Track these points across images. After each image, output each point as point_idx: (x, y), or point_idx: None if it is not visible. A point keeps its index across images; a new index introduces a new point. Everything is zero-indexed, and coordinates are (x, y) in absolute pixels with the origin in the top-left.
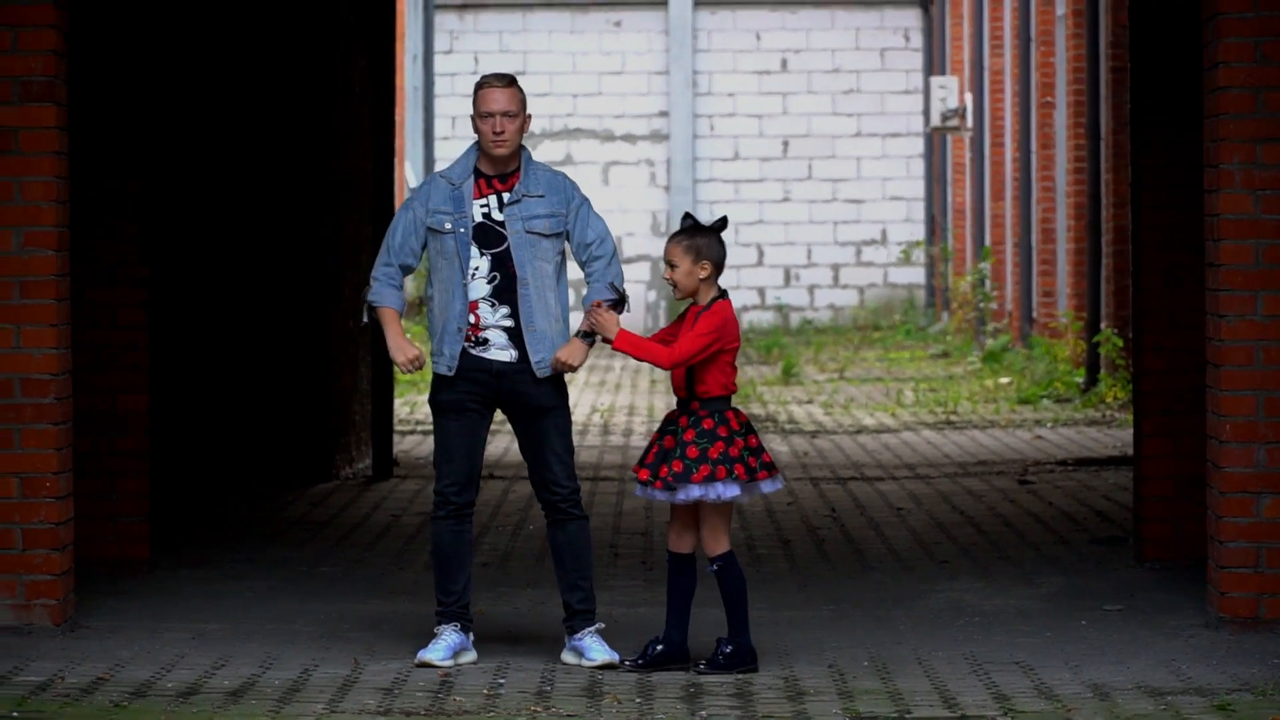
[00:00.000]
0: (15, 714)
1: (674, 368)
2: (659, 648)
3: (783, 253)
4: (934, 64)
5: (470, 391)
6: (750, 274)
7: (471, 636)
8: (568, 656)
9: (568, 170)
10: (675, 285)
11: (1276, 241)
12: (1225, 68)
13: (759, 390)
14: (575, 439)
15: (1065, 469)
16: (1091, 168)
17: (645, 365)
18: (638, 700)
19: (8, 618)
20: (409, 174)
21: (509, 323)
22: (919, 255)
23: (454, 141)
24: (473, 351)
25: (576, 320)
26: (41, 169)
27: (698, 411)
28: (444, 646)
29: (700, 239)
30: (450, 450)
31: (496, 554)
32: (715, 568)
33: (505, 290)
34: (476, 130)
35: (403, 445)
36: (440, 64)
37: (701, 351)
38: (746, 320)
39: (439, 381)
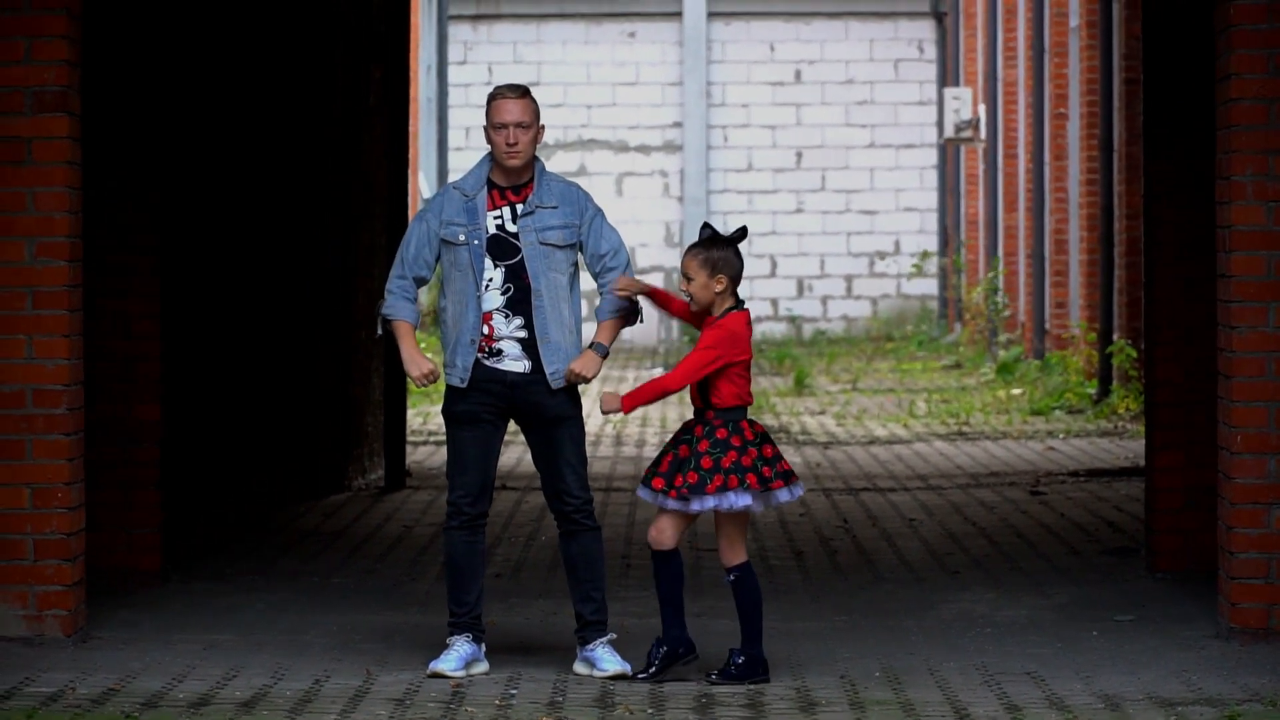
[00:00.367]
0: None
1: (685, 386)
2: (663, 649)
3: (796, 264)
4: (947, 75)
5: (484, 403)
6: (763, 285)
7: (484, 647)
8: (579, 667)
9: (582, 181)
10: (691, 298)
11: None
12: (1238, 79)
13: (772, 401)
14: (588, 450)
15: (1077, 480)
16: (1104, 179)
17: (655, 374)
18: (650, 710)
19: (19, 628)
20: (423, 184)
21: (523, 334)
22: (932, 266)
23: (468, 152)
24: (486, 363)
25: (590, 331)
26: (54, 179)
27: (712, 421)
28: (456, 657)
29: (716, 252)
30: (464, 461)
31: (509, 564)
32: (732, 578)
33: (519, 301)
34: (490, 141)
35: (415, 456)
36: (454, 74)
37: (705, 366)
38: (759, 331)
39: (452, 393)
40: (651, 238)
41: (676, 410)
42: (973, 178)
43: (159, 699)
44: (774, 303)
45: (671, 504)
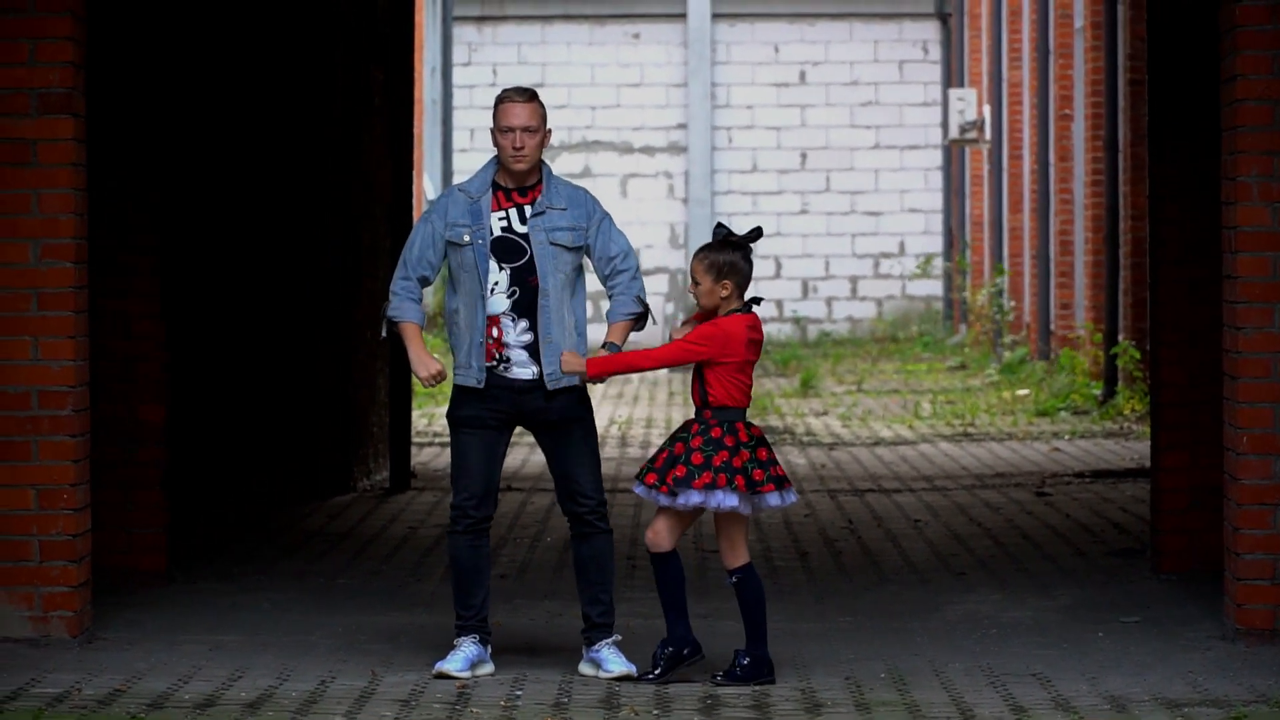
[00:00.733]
0: None
1: (654, 368)
2: (668, 650)
3: (801, 265)
4: (952, 76)
5: (491, 408)
6: (768, 286)
7: (489, 648)
8: (585, 668)
9: (586, 182)
10: (697, 301)
11: None
12: (1243, 80)
13: (777, 402)
14: None
15: (1082, 481)
16: (1109, 180)
17: (662, 377)
18: (655, 712)
19: (25, 629)
20: (427, 186)
21: (528, 337)
22: (936, 267)
23: (472, 153)
24: (496, 370)
25: (594, 333)
26: (59, 181)
27: (709, 420)
28: (462, 658)
29: (723, 257)
30: (468, 465)
31: (514, 565)
32: (735, 580)
33: (525, 304)
34: (496, 144)
35: (420, 457)
36: (459, 76)
37: (684, 356)
38: (764, 332)
39: (459, 397)
40: (656, 239)
41: (682, 412)
42: (977, 179)
43: (164, 700)
44: (779, 304)
45: (663, 499)
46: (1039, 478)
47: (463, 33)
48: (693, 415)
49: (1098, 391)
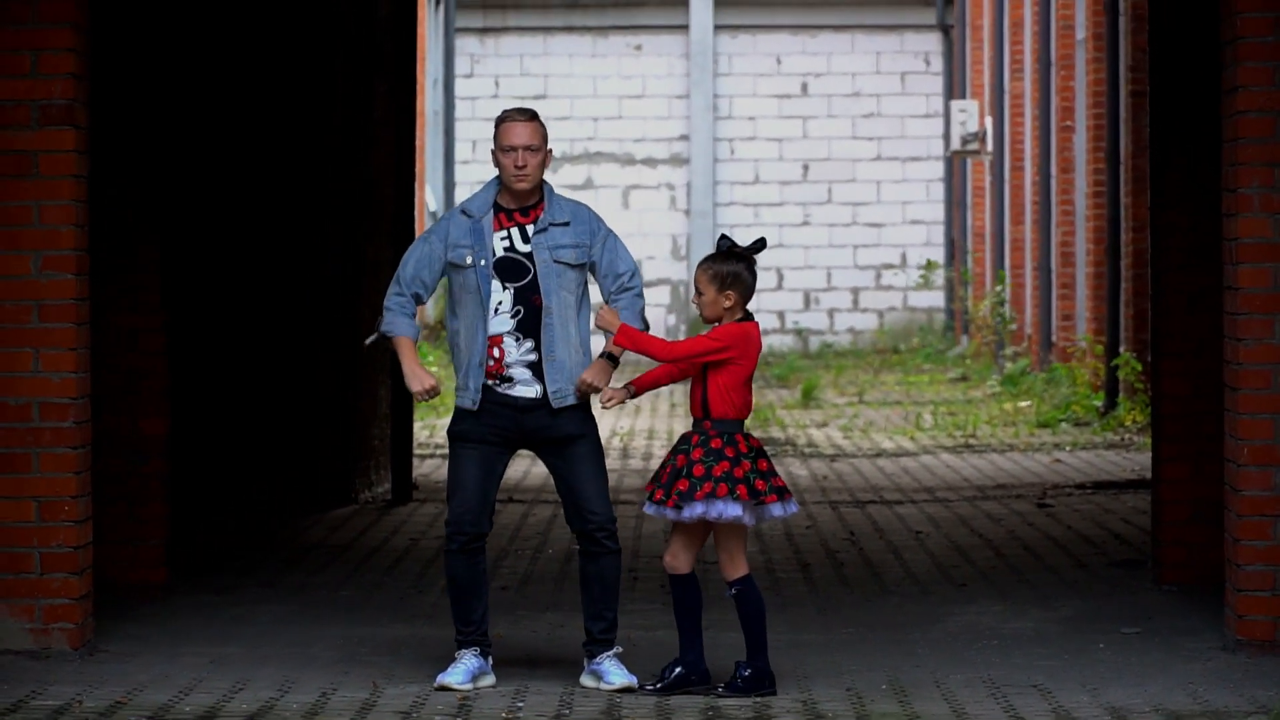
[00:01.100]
0: None
1: (672, 361)
2: (677, 670)
3: (802, 276)
4: (954, 88)
5: (493, 426)
6: (770, 297)
7: (490, 660)
8: (586, 680)
9: (588, 194)
10: (700, 311)
11: None
12: (1244, 92)
13: (778, 414)
14: None
15: (1084, 492)
16: (1111, 191)
17: (664, 389)
18: None
19: (26, 641)
20: (429, 197)
21: (533, 357)
22: (938, 279)
23: (474, 165)
24: (498, 389)
25: (595, 346)
26: (60, 193)
27: (709, 431)
28: (463, 670)
29: (727, 268)
30: (464, 482)
31: (515, 577)
32: (734, 591)
33: (529, 324)
34: (498, 164)
35: (422, 469)
36: (461, 88)
37: (706, 353)
38: (766, 344)
39: (461, 412)
40: (658, 251)
41: (684, 423)
42: (979, 190)
43: (165, 712)
44: (781, 315)
45: (669, 513)
46: (1040, 489)
47: (465, 44)
48: (691, 427)
49: (1099, 403)
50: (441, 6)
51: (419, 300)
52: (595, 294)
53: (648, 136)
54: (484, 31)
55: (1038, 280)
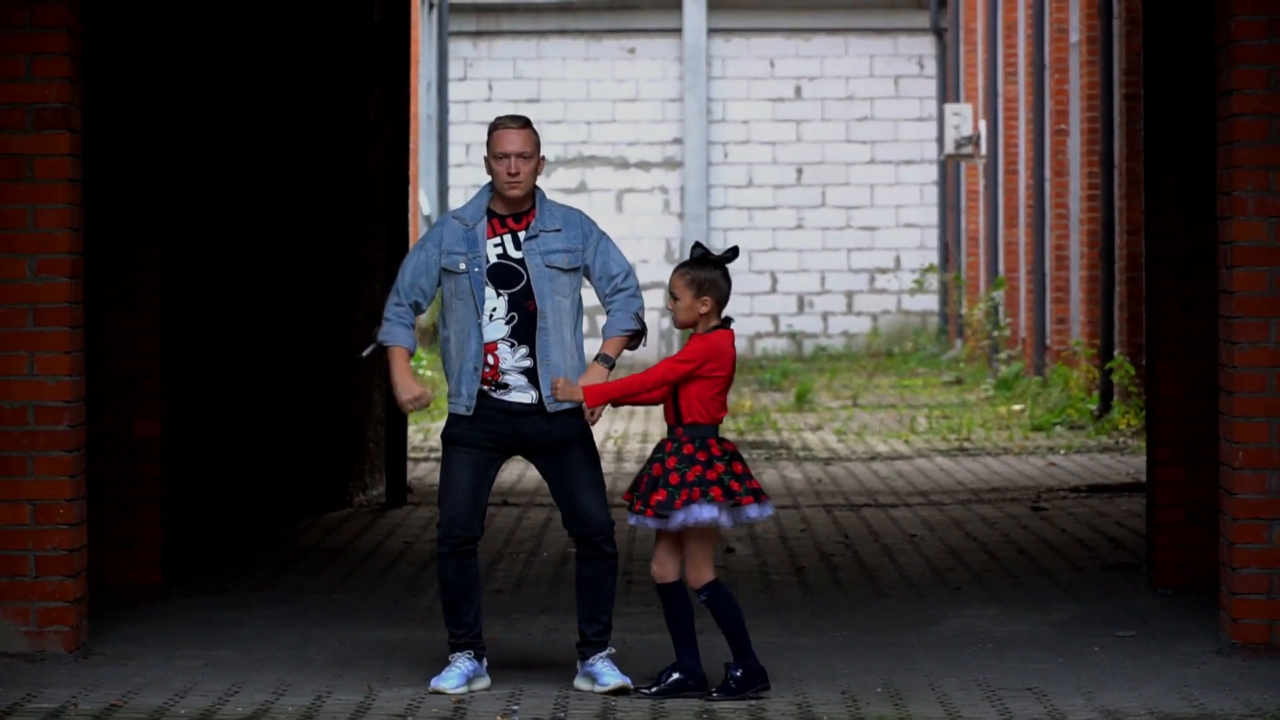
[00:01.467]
0: None
1: (654, 388)
2: (674, 676)
3: (796, 280)
4: (948, 91)
5: (487, 431)
6: (764, 301)
7: (485, 663)
8: (580, 682)
9: (581, 198)
10: (675, 316)
11: None
12: (1239, 95)
13: (773, 417)
14: None
15: (1078, 495)
16: (1105, 195)
17: None
18: None
19: (21, 644)
20: (423, 201)
21: (528, 363)
22: (932, 282)
23: (468, 168)
24: (493, 395)
25: (590, 349)
26: (55, 196)
27: (681, 438)
28: (457, 674)
29: (704, 273)
30: (456, 485)
31: (510, 580)
32: (704, 598)
33: (524, 329)
34: (490, 171)
35: (416, 472)
36: (454, 91)
37: (680, 376)
38: (760, 347)
39: (455, 418)
40: (652, 254)
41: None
42: (973, 194)
43: (160, 715)
44: (775, 319)
45: (649, 523)
46: (1035, 492)
47: (458, 48)
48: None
49: (1093, 406)
50: (435, 10)
51: (418, 309)
52: (590, 297)
53: (641, 140)
54: (477, 35)
55: (1032, 284)
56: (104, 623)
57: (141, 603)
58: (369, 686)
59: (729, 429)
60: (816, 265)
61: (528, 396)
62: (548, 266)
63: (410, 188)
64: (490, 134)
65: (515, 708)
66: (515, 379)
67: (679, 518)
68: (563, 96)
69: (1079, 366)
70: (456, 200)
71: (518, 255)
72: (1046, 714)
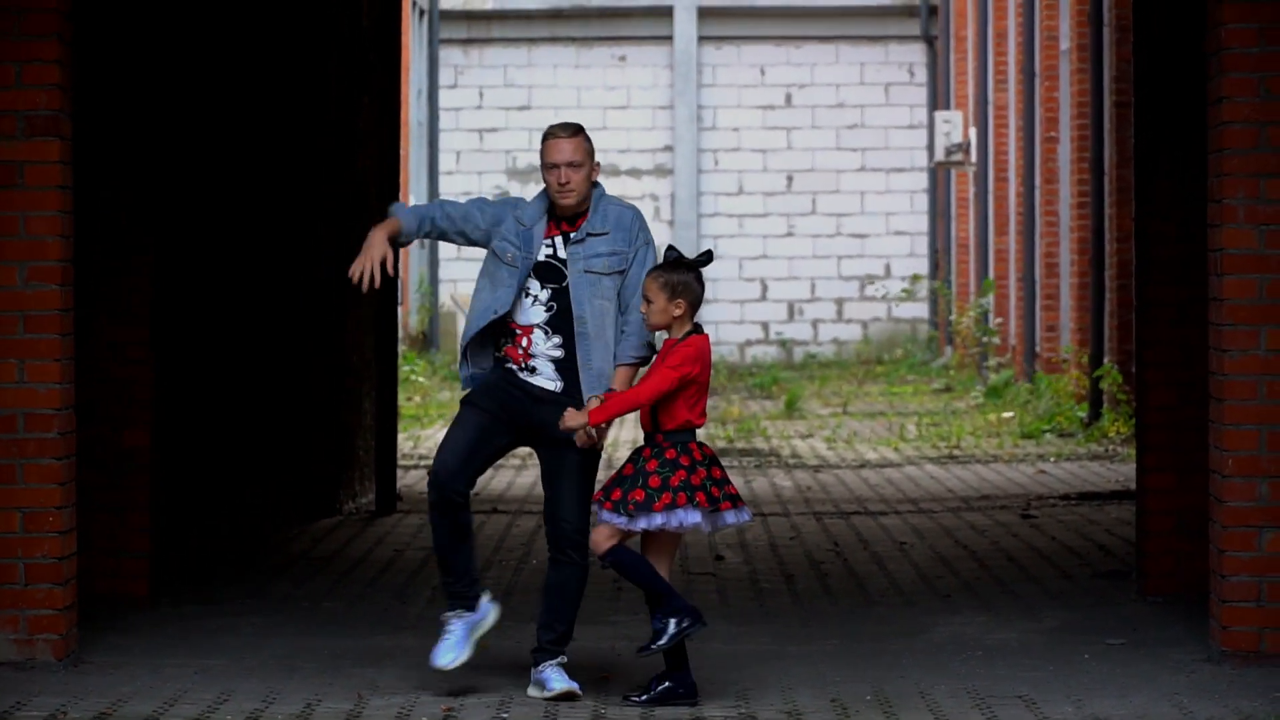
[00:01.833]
0: None
1: (654, 401)
2: (665, 684)
3: (786, 287)
4: (938, 99)
5: (505, 403)
6: (754, 308)
7: (487, 596)
8: (531, 689)
9: None
10: (648, 319)
11: None
12: (1229, 103)
13: (762, 424)
14: None
15: (1068, 503)
16: (1095, 202)
17: None
18: None
19: (10, 653)
20: None
21: (559, 353)
22: (922, 290)
23: (458, 176)
24: (519, 374)
25: None
26: (46, 203)
27: (661, 443)
28: (453, 643)
29: (677, 276)
30: (453, 438)
31: (500, 588)
32: (607, 562)
33: (561, 321)
34: (544, 179)
35: (406, 480)
36: (445, 99)
37: (672, 386)
38: (750, 354)
39: (478, 387)
40: None
41: None
42: (963, 201)
43: None
44: (765, 326)
45: (618, 521)
46: (1024, 500)
47: (449, 55)
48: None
49: (1083, 414)
50: (425, 18)
51: (433, 225)
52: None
53: (632, 147)
54: (468, 43)
55: (1022, 291)
56: (93, 631)
57: (131, 611)
58: (359, 694)
59: (719, 436)
60: (807, 273)
61: (554, 385)
62: (587, 271)
63: (400, 196)
64: (542, 143)
65: (505, 716)
66: (544, 365)
67: (657, 520)
68: (553, 104)
69: (1069, 374)
70: None
71: (564, 256)
72: None
